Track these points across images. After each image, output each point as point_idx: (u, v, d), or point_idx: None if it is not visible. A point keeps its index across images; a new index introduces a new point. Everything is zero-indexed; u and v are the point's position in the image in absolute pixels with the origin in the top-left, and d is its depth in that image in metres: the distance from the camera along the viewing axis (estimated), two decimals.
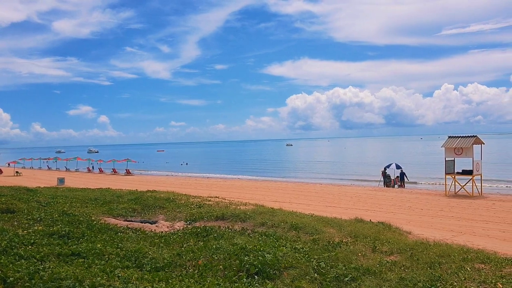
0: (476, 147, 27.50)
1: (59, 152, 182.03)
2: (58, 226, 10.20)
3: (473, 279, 7.12)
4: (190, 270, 7.40)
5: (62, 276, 6.27)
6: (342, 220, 12.44)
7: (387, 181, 37.35)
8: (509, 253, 9.50)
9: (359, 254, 8.54)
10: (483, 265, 7.89)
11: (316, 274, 7.28)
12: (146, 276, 6.76)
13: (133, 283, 6.31)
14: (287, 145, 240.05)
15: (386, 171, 37.97)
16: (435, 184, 38.99)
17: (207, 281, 6.68)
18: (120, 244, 8.85)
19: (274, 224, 11.37)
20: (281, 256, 7.92)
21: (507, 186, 36.10)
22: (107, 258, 7.73)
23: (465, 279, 7.13)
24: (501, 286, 6.80)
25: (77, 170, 68.06)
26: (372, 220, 12.83)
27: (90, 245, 8.49)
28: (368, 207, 22.37)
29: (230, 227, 11.49)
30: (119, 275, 6.66)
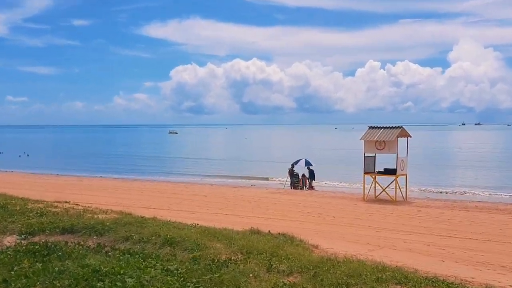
0: (402, 141, 29.63)
1: None
2: None
3: None
4: None
5: None
6: (233, 231, 12.66)
7: (295, 181, 38.89)
8: (432, 270, 10.36)
9: (250, 275, 8.76)
10: (399, 287, 8.53)
11: None
12: None
13: None
14: (171, 132, 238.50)
15: (294, 169, 39.44)
16: (351, 186, 41.46)
17: None
18: None
19: (143, 238, 11.27)
20: (147, 281, 7.87)
21: (436, 190, 39.56)
22: None
23: None
24: None
25: None
26: (271, 232, 13.22)
27: None
28: (270, 215, 23.07)
29: (82, 242, 11.25)
30: None
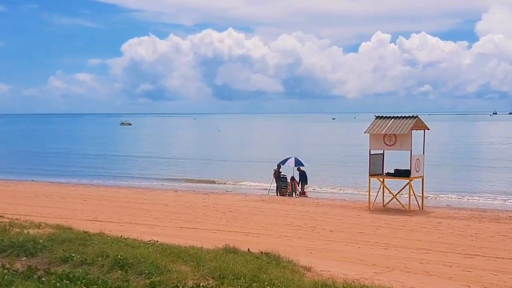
0: (417, 135, 29.79)
1: None
2: None
3: None
4: None
5: None
6: (203, 250, 12.60)
7: (282, 186, 38.87)
8: None
9: None
10: None
11: None
12: None
13: None
14: (122, 124, 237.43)
15: (280, 170, 39.47)
16: (353, 192, 41.61)
17: None
18: None
19: (86, 259, 11.17)
20: None
21: (460, 196, 39.86)
22: None
23: None
24: None
25: None
26: (251, 250, 13.23)
27: None
28: (250, 229, 23.12)
29: (8, 265, 11.12)
30: None
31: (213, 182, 49.58)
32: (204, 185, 47.49)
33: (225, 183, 48.53)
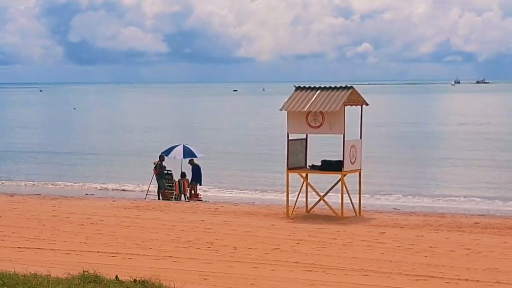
0: (352, 112, 30.26)
1: None
2: None
3: None
4: None
5: None
6: (51, 280, 12.47)
7: (167, 186, 38.67)
8: None
9: None
10: None
11: None
12: None
13: None
14: None
15: (163, 163, 39.27)
16: (265, 193, 42.05)
17: None
18: None
19: None
20: None
21: (411, 197, 40.97)
22: None
23: None
24: None
25: None
26: (121, 277, 13.18)
27: None
28: (120, 247, 22.93)
29: None
30: None
31: (66, 182, 49.07)
32: (54, 186, 46.95)
33: (84, 184, 48.06)
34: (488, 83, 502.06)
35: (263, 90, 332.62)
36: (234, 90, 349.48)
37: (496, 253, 22.34)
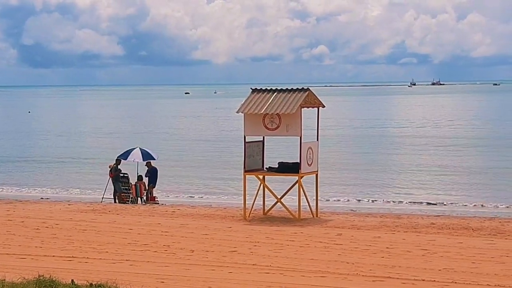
0: (309, 115, 30.35)
1: None
2: None
3: None
4: None
5: None
6: (6, 284, 12.42)
7: (123, 189, 38.51)
8: None
9: None
10: None
11: None
12: None
13: None
14: None
15: (119, 167, 39.13)
16: (221, 195, 42.10)
17: None
18: None
19: None
20: None
21: (368, 198, 41.31)
22: None
23: None
24: None
25: None
26: (77, 281, 13.11)
27: None
28: (76, 251, 22.83)
29: None
30: None
31: (19, 186, 48.84)
32: (8, 191, 46.59)
33: (39, 188, 47.72)
34: (443, 84, 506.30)
35: (215, 93, 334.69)
36: (186, 93, 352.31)
37: (452, 253, 22.49)
